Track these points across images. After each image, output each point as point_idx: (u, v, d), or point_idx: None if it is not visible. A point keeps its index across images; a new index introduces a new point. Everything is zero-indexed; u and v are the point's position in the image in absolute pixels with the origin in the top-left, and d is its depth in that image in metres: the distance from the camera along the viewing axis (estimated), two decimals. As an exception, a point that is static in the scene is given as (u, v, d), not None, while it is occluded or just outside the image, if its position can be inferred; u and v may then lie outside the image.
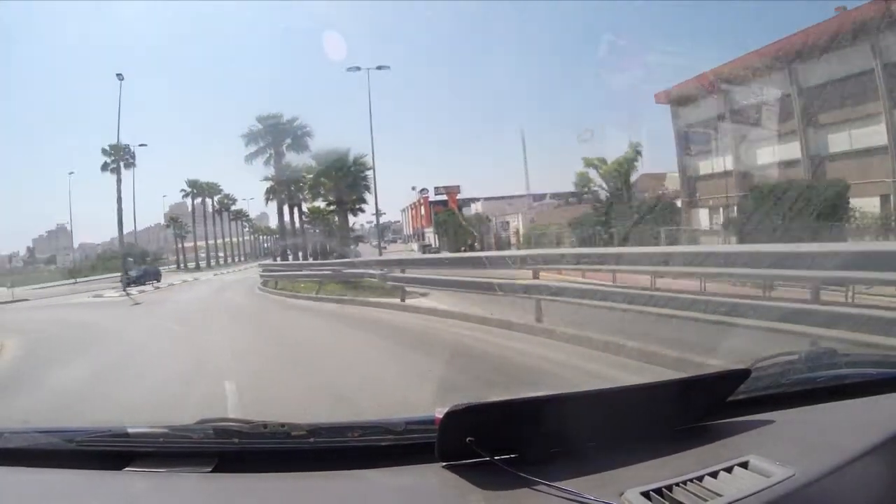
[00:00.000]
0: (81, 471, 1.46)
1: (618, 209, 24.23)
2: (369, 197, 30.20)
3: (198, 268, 40.30)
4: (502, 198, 35.20)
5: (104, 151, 33.88)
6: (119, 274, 29.44)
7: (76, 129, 59.40)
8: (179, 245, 42.13)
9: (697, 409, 1.55)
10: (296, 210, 33.11)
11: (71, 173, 36.30)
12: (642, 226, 21.48)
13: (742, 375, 1.57)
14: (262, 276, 21.98)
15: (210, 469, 1.41)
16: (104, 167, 34.04)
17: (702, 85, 22.21)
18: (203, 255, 42.50)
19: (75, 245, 44.81)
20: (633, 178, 27.68)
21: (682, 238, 21.10)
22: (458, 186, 38.56)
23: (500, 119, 50.03)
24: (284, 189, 31.62)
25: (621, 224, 22.35)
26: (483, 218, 34.58)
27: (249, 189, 52.47)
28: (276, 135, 30.44)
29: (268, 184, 32.18)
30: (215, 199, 41.17)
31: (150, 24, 47.89)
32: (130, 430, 1.55)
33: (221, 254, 43.77)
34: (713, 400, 1.56)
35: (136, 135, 42.96)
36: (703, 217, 23.58)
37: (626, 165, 27.21)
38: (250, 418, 1.55)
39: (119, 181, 32.54)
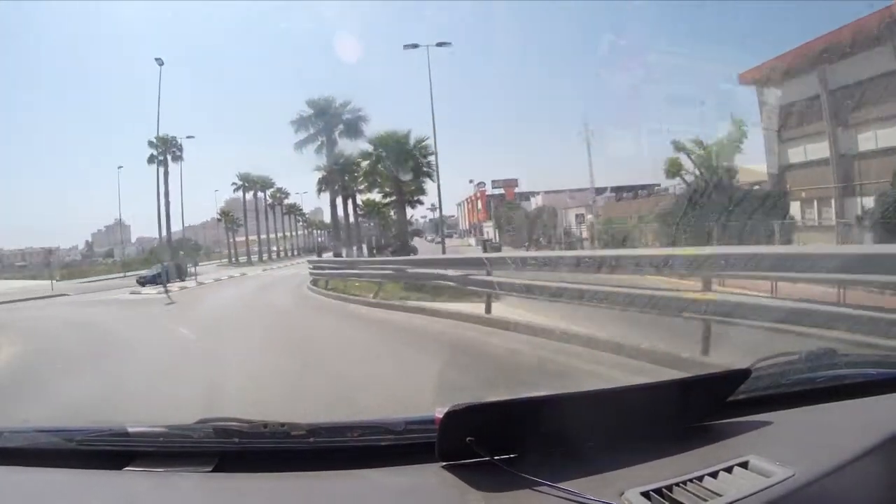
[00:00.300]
0: (81, 470, 1.58)
1: (717, 200, 21.75)
2: (427, 188, 29.64)
3: (249, 262, 42.03)
4: (563, 191, 35.08)
5: (150, 144, 35.66)
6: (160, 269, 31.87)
7: (134, 125, 62.81)
8: (231, 239, 43.98)
9: (697, 410, 1.68)
10: (350, 202, 33.05)
11: (120, 167, 39.00)
12: (739, 220, 19.80)
13: (742, 376, 1.70)
14: (311, 273, 21.07)
15: (210, 469, 1.54)
16: (151, 159, 35.90)
17: (795, 62, 21.07)
18: (256, 249, 44.04)
19: (133, 239, 47.89)
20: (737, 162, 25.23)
21: (800, 236, 19.93)
22: (516, 180, 39.32)
23: (559, 110, 49.16)
24: (337, 179, 31.15)
25: (721, 217, 20.28)
26: (550, 211, 33.80)
27: (304, 183, 53.77)
28: (327, 120, 30.08)
29: (320, 174, 32.00)
30: (268, 192, 42.68)
31: (194, 14, 49.98)
32: (130, 430, 1.68)
33: (274, 248, 45.62)
34: (713, 400, 1.69)
35: (186, 129, 45.23)
36: (794, 210, 22.55)
37: (729, 148, 24.77)
38: (251, 418, 1.69)
39: (166, 174, 35.08)
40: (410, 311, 12.08)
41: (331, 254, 33.36)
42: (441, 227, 32.54)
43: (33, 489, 1.54)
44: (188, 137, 35.49)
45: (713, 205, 21.76)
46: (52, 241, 47.07)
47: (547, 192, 36.65)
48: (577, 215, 33.35)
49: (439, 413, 1.42)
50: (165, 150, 34.88)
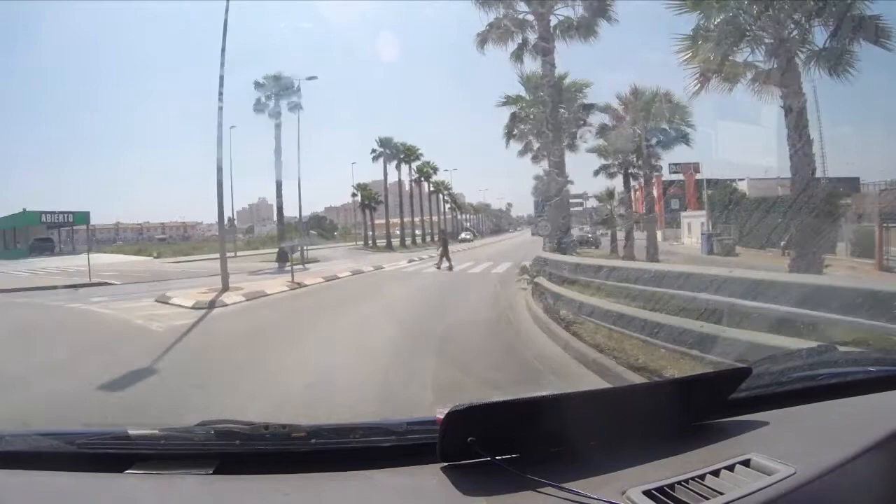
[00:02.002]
0: (83, 473, 1.75)
1: None
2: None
3: (389, 247, 40.30)
4: (773, 178, 30.99)
5: (257, 85, 30.45)
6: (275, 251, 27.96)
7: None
8: (370, 221, 41.95)
9: (699, 408, 1.81)
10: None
11: (233, 127, 38.53)
12: None
13: (743, 374, 1.85)
14: (534, 279, 13.40)
15: (211, 471, 1.71)
16: (258, 106, 30.53)
17: None
18: (397, 232, 41.99)
19: (275, 217, 51.91)
20: None
21: None
22: (697, 164, 36.53)
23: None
24: (550, 111, 20.61)
25: None
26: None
27: (452, 160, 53.85)
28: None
29: (509, 109, 23.75)
30: (413, 165, 40.36)
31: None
32: (132, 433, 1.86)
33: (418, 232, 43.42)
34: (715, 398, 1.83)
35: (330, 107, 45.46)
36: None
37: None
38: (252, 420, 1.85)
39: (278, 126, 30.70)
40: None
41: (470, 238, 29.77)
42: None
43: (35, 493, 1.68)
44: (309, 79, 31.03)
45: None
46: (200, 217, 51.19)
47: (753, 180, 34.18)
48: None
49: (440, 413, 1.56)
50: (277, 93, 30.65)
